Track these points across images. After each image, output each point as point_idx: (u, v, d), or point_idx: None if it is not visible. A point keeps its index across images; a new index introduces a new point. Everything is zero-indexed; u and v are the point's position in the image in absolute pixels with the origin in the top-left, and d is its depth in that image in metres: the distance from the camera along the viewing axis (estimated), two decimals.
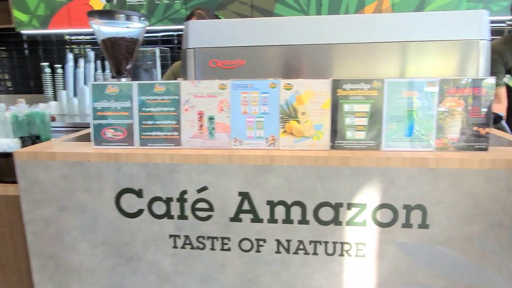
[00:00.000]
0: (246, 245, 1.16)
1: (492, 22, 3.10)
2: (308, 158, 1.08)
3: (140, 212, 1.16)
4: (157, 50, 3.22)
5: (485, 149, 1.08)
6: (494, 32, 3.20)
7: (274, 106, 1.13)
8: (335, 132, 1.12)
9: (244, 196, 1.12)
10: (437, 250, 1.08)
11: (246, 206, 1.13)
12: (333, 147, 1.13)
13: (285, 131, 1.14)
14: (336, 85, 1.10)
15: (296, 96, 1.12)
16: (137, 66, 3.12)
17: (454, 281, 1.10)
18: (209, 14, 2.32)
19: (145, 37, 3.76)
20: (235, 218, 1.14)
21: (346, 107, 1.11)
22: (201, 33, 1.28)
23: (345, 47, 1.17)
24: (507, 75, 1.92)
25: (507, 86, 1.92)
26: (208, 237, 1.16)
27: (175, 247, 1.18)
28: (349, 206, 1.09)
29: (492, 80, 1.06)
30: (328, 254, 1.13)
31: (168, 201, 1.15)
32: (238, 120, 1.15)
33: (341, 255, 1.13)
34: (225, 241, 1.17)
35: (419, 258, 1.10)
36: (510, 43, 1.95)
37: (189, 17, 2.33)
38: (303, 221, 1.12)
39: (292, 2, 3.11)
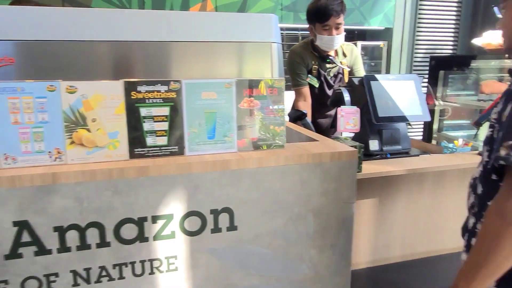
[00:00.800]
0: (32, 285, 0.95)
1: (302, 29, 3.53)
2: (101, 172, 0.94)
3: None
4: None
5: (282, 146, 1.14)
6: (304, 37, 3.62)
7: (56, 113, 0.95)
8: (134, 139, 1.01)
9: (22, 225, 0.90)
10: (246, 250, 1.09)
11: (26, 237, 0.92)
12: (133, 156, 1.02)
13: (73, 142, 0.97)
14: (130, 87, 0.99)
15: (82, 100, 0.96)
16: None
17: (265, 277, 1.13)
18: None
19: None
20: (13, 255, 0.92)
21: (143, 111, 1.01)
22: None
23: (135, 45, 1.07)
24: (309, 75, 2.17)
25: (310, 85, 2.17)
26: None
27: None
28: (154, 219, 1.00)
29: (282, 81, 1.12)
30: (136, 275, 1.02)
31: None
32: (7, 132, 0.92)
33: (152, 273, 1.03)
34: (1, 285, 0.92)
35: (231, 261, 1.09)
36: (308, 47, 2.20)
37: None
38: (103, 243, 0.97)
39: None
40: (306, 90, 2.18)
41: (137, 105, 1.00)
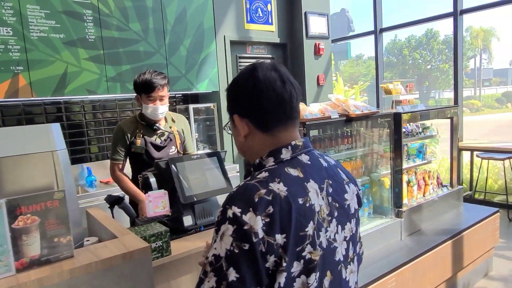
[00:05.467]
0: None
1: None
2: None
3: None
4: None
5: (71, 257, 1.14)
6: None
7: None
8: None
9: None
10: None
11: None
12: None
13: None
14: None
15: None
16: None
17: None
18: None
19: None
20: None
21: None
22: None
23: None
24: (133, 145, 2.26)
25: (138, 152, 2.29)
26: None
27: None
28: None
29: (62, 193, 1.13)
30: None
31: None
32: None
33: None
34: None
35: None
36: (135, 119, 2.36)
37: None
38: None
39: None
40: (119, 166, 2.30)
41: None
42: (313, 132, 2.44)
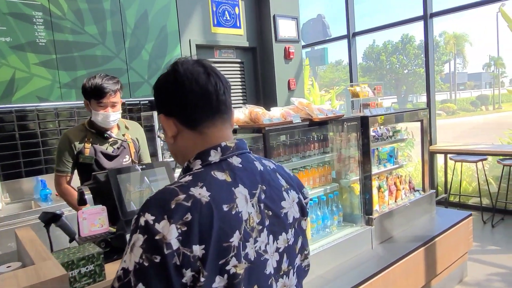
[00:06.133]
0: None
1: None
2: None
3: None
4: None
5: None
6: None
7: None
8: None
9: None
10: None
11: None
12: None
13: None
14: None
15: None
16: None
17: None
18: None
19: None
20: None
21: None
22: None
23: None
24: (81, 155, 2.08)
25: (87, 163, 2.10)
26: None
27: None
28: None
29: None
30: None
31: None
32: None
33: None
34: None
35: None
36: (83, 127, 2.16)
37: None
38: None
39: None
40: (66, 178, 2.11)
41: None
42: (275, 138, 2.32)
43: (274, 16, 4.43)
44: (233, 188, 0.80)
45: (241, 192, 0.80)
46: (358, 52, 5.80)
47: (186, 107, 0.85)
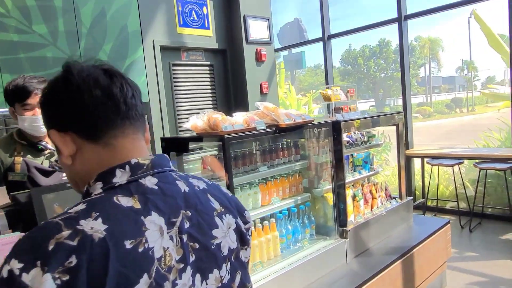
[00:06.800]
0: None
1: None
2: None
3: None
4: None
5: None
6: None
7: None
8: None
9: None
10: None
11: None
12: None
13: None
14: None
15: None
16: None
17: None
18: None
19: None
20: None
21: None
22: None
23: None
24: (11, 173, 1.78)
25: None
26: None
27: None
28: None
29: None
30: None
31: None
32: None
33: None
34: None
35: None
36: (12, 138, 1.85)
37: None
38: None
39: None
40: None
41: None
42: (240, 146, 2.11)
43: (244, 17, 4.24)
44: (142, 218, 0.62)
45: (154, 221, 0.63)
46: (336, 56, 5.72)
47: (84, 114, 0.67)
